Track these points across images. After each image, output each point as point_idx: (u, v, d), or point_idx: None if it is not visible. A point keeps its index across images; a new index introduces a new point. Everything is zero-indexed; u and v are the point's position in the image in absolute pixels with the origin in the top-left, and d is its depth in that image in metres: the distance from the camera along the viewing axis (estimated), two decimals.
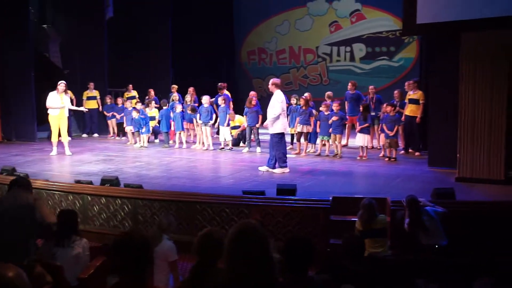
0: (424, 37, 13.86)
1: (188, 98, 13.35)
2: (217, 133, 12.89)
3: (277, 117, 9.20)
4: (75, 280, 4.68)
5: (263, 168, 9.50)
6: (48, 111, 11.31)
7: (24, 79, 13.42)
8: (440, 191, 6.84)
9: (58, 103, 11.25)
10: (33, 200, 5.01)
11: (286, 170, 9.36)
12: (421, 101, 10.88)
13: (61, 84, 11.35)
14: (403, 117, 11.06)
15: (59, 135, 11.41)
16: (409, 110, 11.06)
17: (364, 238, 5.62)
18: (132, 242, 2.72)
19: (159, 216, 6.97)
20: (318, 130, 11.22)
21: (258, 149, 11.90)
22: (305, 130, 11.35)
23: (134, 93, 15.35)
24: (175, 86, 14.59)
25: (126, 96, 15.15)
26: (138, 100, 14.30)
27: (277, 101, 9.24)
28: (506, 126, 8.05)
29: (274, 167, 9.39)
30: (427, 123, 10.24)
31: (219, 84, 13.26)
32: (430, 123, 9.82)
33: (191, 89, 13.72)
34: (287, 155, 9.64)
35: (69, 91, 11.74)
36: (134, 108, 13.30)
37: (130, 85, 15.49)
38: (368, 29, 17.78)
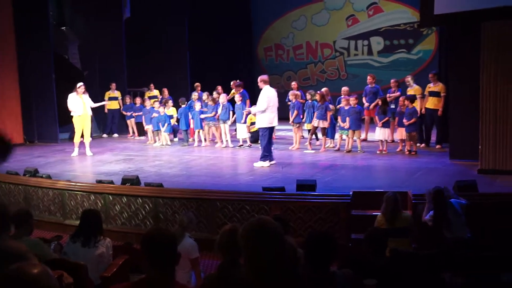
0: (443, 28, 13.71)
1: (204, 96, 13.29)
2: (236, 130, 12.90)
3: (263, 111, 9.52)
4: (98, 279, 4.72)
5: (258, 164, 9.69)
6: (71, 113, 11.44)
7: (45, 81, 13.59)
8: (462, 184, 6.76)
9: (80, 105, 11.38)
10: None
11: (266, 164, 9.59)
12: (442, 94, 10.77)
13: (81, 87, 11.48)
14: (423, 110, 10.99)
15: (82, 136, 11.53)
16: (430, 103, 10.95)
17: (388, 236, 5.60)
18: (161, 238, 2.76)
19: (179, 214, 7.02)
20: (342, 125, 11.07)
21: None
22: (321, 125, 11.28)
23: (156, 92, 15.34)
24: (198, 84, 14.57)
25: (148, 95, 15.15)
26: (157, 100, 14.37)
27: (263, 96, 9.54)
28: None
29: (271, 160, 9.73)
30: (448, 115, 10.12)
31: (233, 82, 13.34)
32: (451, 115, 9.71)
33: (219, 88, 13.76)
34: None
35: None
36: (152, 108, 13.40)
37: (152, 84, 15.51)
38: (386, 22, 17.61)
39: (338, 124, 11.36)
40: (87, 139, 11.61)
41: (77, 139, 11.55)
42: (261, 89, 9.73)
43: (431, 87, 11.02)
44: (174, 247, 2.78)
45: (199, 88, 14.26)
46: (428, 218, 5.74)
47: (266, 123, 9.59)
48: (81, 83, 11.67)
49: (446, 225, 5.61)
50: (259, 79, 9.92)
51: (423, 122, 11.20)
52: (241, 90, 13.14)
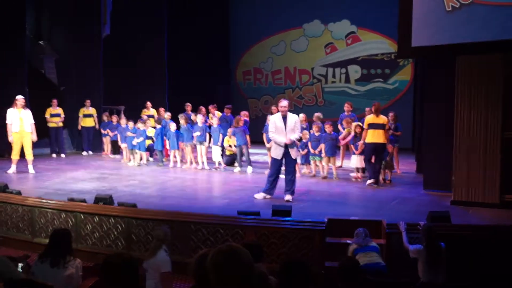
0: (419, 60, 13.98)
1: (192, 116, 13.27)
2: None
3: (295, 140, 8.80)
4: None
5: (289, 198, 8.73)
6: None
7: (18, 94, 13.36)
8: (435, 214, 6.82)
9: (16, 121, 11.02)
10: None
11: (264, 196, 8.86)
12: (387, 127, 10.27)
13: (20, 100, 11.09)
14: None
15: (24, 153, 11.21)
16: (376, 136, 10.14)
17: (357, 253, 5.67)
18: (121, 262, 2.76)
19: (153, 229, 6.98)
20: (312, 151, 11.14)
21: (249, 169, 11.85)
22: None
23: (152, 111, 15.13)
24: (189, 104, 14.38)
25: (144, 113, 14.91)
26: (154, 119, 14.18)
27: (299, 123, 8.93)
28: (500, 150, 8.08)
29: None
30: (420, 146, 10.23)
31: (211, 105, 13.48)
32: (425, 146, 9.84)
33: (202, 109, 13.61)
34: (281, 176, 9.02)
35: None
36: (127, 126, 13.24)
37: (148, 103, 15.25)
38: (363, 51, 17.95)
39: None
40: (29, 156, 11.25)
41: (14, 155, 11.18)
42: (267, 112, 8.98)
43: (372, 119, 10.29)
44: (134, 271, 2.78)
45: (189, 109, 14.15)
46: (413, 250, 5.68)
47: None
48: (20, 96, 11.24)
49: (429, 267, 5.52)
50: (287, 104, 8.83)
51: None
52: (229, 114, 13.25)
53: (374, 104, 10.39)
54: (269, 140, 9.75)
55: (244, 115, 12.66)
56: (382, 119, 10.09)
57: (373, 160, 10.04)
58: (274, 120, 8.80)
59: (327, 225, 6.78)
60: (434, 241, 5.56)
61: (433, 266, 5.44)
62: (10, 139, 11.21)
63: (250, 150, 12.36)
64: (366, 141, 10.11)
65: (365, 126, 10.21)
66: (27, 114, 11.20)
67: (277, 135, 8.65)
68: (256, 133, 12.71)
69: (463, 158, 8.36)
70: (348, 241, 6.34)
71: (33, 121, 11.34)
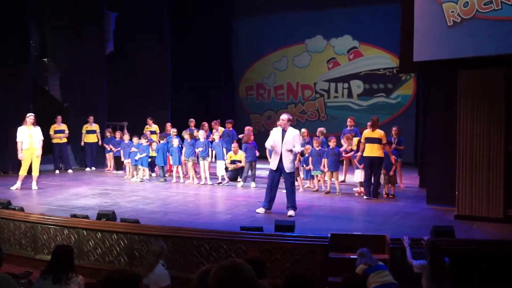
0: (421, 74, 14.01)
1: (195, 132, 13.23)
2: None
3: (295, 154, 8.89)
4: None
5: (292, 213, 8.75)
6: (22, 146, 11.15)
7: (22, 111, 13.42)
8: (439, 229, 6.79)
9: (26, 138, 11.08)
10: None
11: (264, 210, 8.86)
12: (384, 141, 10.25)
13: (30, 117, 11.18)
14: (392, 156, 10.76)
15: (32, 169, 11.21)
16: (373, 150, 10.25)
17: (369, 274, 5.59)
18: (124, 279, 2.76)
19: (150, 245, 6.96)
20: (311, 166, 11.16)
21: (253, 184, 11.85)
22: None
23: (155, 127, 15.06)
24: (192, 120, 14.29)
25: (147, 129, 14.87)
26: (156, 135, 14.16)
27: (298, 138, 8.94)
28: (504, 164, 8.04)
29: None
30: (423, 160, 10.21)
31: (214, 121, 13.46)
32: (428, 160, 9.82)
33: (205, 124, 13.51)
34: (284, 191, 9.00)
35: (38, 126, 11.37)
36: (131, 141, 13.21)
37: (149, 119, 15.14)
38: (366, 66, 18.01)
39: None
40: (35, 172, 11.28)
41: (23, 172, 11.20)
42: (269, 128, 9.07)
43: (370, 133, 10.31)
44: (135, 287, 2.79)
45: (193, 124, 14.11)
46: (417, 265, 5.65)
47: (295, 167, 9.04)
48: (30, 114, 11.34)
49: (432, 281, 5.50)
50: (286, 118, 8.87)
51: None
52: (231, 128, 13.25)
53: (372, 118, 10.47)
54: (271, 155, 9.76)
55: (250, 131, 12.71)
56: (378, 133, 10.13)
57: (372, 180, 10.13)
58: (273, 133, 8.92)
59: (331, 240, 6.76)
60: (438, 256, 5.52)
61: (437, 281, 5.40)
62: (20, 156, 11.24)
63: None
64: (364, 155, 10.22)
65: (362, 140, 10.35)
66: (37, 131, 11.30)
67: (272, 143, 8.75)
68: (258, 148, 12.68)
69: (466, 172, 8.32)
70: (352, 256, 6.30)
71: (42, 138, 11.44)
